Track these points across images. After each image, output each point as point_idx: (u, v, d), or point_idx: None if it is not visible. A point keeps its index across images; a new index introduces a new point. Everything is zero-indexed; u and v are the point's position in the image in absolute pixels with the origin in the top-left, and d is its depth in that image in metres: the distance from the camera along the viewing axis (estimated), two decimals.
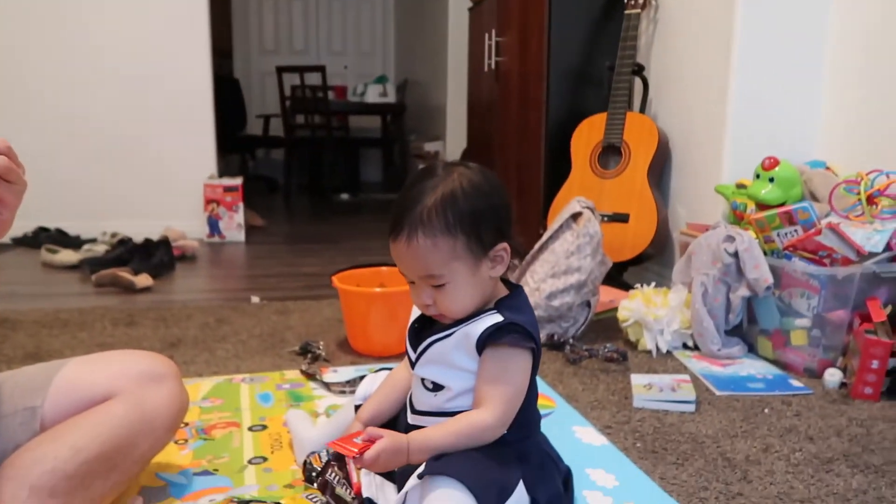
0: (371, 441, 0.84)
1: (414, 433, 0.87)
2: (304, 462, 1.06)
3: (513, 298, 0.92)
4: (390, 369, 1.07)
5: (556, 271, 1.76)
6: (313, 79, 5.00)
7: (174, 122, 3.39)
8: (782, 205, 1.75)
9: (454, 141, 4.65)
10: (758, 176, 1.84)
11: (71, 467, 0.82)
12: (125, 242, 2.76)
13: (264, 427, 1.28)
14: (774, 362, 1.66)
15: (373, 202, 5.15)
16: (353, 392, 1.35)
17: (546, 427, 0.98)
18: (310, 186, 5.75)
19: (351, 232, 3.75)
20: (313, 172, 5.78)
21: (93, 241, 3.02)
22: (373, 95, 5.31)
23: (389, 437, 0.84)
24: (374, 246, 3.25)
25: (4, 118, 3.11)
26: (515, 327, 0.86)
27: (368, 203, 5.10)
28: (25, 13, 3.17)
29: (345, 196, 5.23)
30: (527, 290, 1.75)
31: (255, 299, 2.22)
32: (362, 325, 1.69)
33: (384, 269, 1.81)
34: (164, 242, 2.72)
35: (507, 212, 0.90)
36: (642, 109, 2.45)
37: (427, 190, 0.86)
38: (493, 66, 3.03)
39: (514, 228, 0.91)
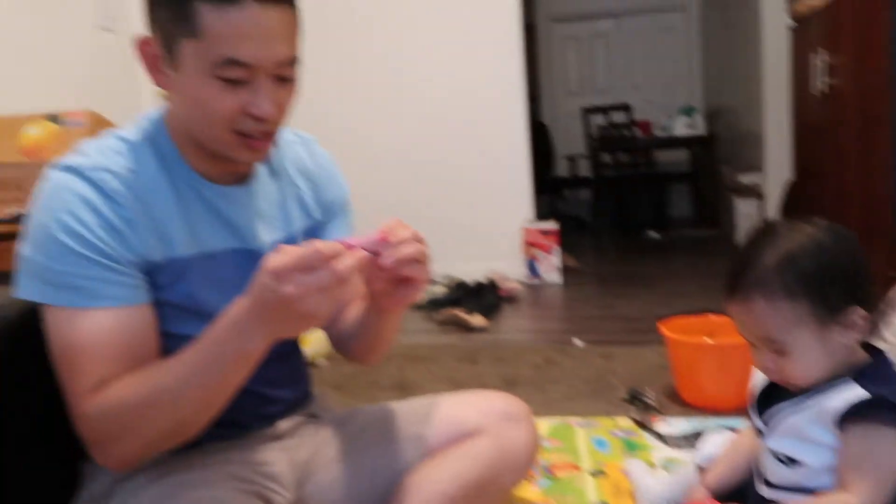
0: None
1: None
2: None
3: (875, 366, 0.85)
4: (732, 429, 1.06)
5: None
6: (618, 116, 5.08)
7: (495, 168, 3.69)
8: None
9: (775, 172, 4.29)
10: None
11: (452, 490, 0.97)
12: (459, 285, 3.11)
13: (603, 473, 1.35)
14: None
15: (683, 239, 4.99)
16: (689, 447, 1.36)
17: None
18: (617, 224, 5.79)
19: (663, 273, 3.70)
20: (620, 210, 5.81)
21: (430, 282, 3.45)
22: (680, 128, 5.19)
23: None
24: (690, 289, 3.15)
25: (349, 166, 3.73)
26: (882, 402, 0.79)
27: (679, 241, 4.95)
28: (353, 61, 3.76)
29: (653, 234, 5.16)
30: (885, 346, 1.56)
31: (577, 342, 2.33)
32: (692, 376, 1.68)
33: (713, 316, 1.77)
34: (492, 285, 3.00)
35: (860, 272, 0.83)
36: None
37: (766, 248, 0.83)
38: (822, 87, 2.77)
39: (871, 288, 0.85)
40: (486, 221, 3.73)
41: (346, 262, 0.67)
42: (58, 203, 0.74)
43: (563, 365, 2.07)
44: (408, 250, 0.76)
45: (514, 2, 3.56)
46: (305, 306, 0.66)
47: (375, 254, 0.75)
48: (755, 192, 4.38)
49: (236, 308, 0.71)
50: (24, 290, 0.75)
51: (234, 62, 0.72)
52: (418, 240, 0.79)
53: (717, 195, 5.33)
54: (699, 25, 6.44)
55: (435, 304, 2.94)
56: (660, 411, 1.64)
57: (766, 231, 0.88)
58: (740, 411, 0.99)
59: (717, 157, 5.32)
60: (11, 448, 0.80)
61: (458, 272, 3.52)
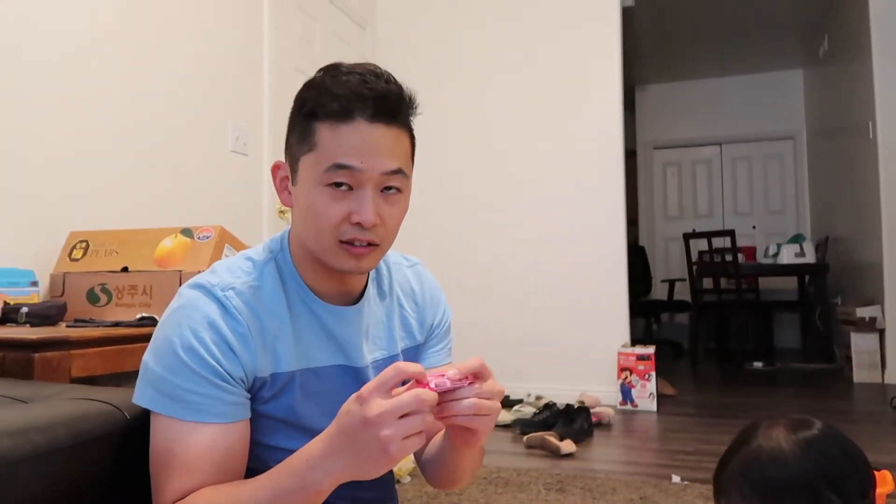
0: None
1: None
2: None
3: None
4: None
5: None
6: (720, 242, 4.98)
7: (592, 289, 3.64)
8: None
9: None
10: None
11: None
12: (550, 406, 3.03)
13: None
14: None
15: (791, 372, 4.68)
16: None
17: None
18: (717, 352, 5.54)
19: (770, 406, 3.46)
20: (721, 337, 5.57)
21: (520, 401, 3.38)
22: (788, 256, 5.00)
23: None
24: None
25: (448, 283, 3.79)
26: None
27: (786, 373, 4.65)
28: (458, 183, 3.91)
29: (758, 364, 4.88)
30: None
31: (675, 479, 2.19)
32: None
33: None
34: (584, 409, 2.91)
35: (834, 485, 0.74)
36: None
37: (733, 451, 0.81)
38: None
39: None
40: (580, 343, 3.66)
41: (429, 393, 0.69)
42: (184, 319, 0.79)
43: (660, 503, 1.95)
44: (465, 407, 0.73)
45: (617, 129, 3.66)
46: (385, 431, 0.66)
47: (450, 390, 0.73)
48: (873, 327, 4.11)
49: (318, 439, 0.73)
50: (140, 396, 0.80)
51: (340, 166, 0.79)
52: (493, 395, 0.75)
53: (829, 327, 5.03)
54: (808, 153, 6.36)
55: (523, 426, 2.87)
56: None
57: (745, 430, 0.84)
58: None
59: (828, 288, 5.07)
60: None
61: (548, 393, 3.44)
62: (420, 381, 0.70)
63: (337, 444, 0.70)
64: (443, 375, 0.72)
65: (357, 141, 0.79)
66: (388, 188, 0.82)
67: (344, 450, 0.69)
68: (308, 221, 0.82)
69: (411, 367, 0.70)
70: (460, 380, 0.73)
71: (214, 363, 0.78)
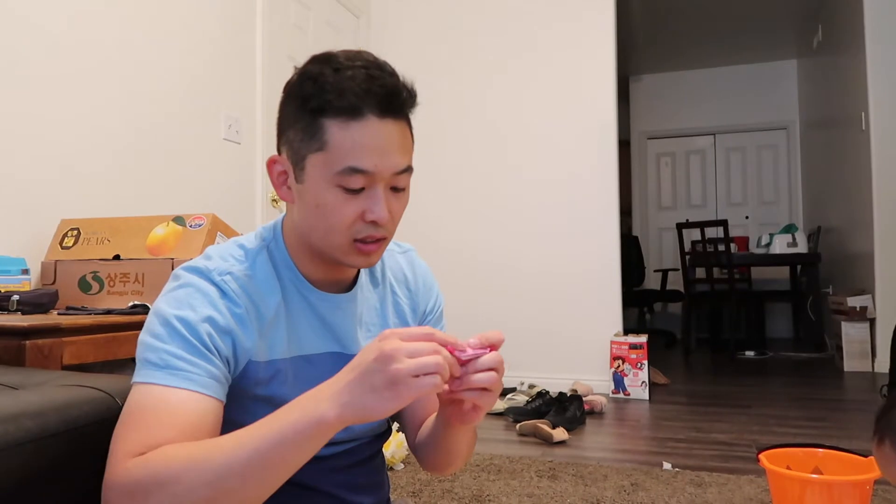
0: None
1: None
2: None
3: None
4: None
5: None
6: (713, 232, 5.00)
7: (585, 278, 3.66)
8: None
9: (888, 295, 4.06)
10: None
11: None
12: (542, 395, 3.04)
13: None
14: None
15: (783, 361, 4.71)
16: None
17: None
18: (710, 342, 5.56)
19: (761, 395, 3.48)
20: (713, 327, 5.60)
21: (513, 390, 3.40)
22: (780, 246, 5.03)
23: None
24: (793, 416, 2.95)
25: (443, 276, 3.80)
26: None
27: (778, 362, 4.68)
28: (458, 173, 3.91)
29: (750, 353, 4.91)
30: None
31: (666, 465, 2.21)
32: None
33: (820, 451, 1.65)
34: (577, 398, 2.92)
35: None
36: None
37: None
38: None
39: None
40: (574, 332, 3.67)
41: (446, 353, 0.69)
42: (183, 296, 0.79)
43: (651, 490, 1.96)
44: (482, 380, 0.73)
45: (611, 119, 3.66)
46: (395, 366, 0.65)
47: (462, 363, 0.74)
48: (864, 316, 4.13)
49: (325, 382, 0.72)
50: (134, 375, 0.78)
51: (355, 170, 0.78)
52: (499, 368, 0.75)
53: (820, 317, 5.06)
54: (801, 143, 6.37)
55: (516, 414, 2.88)
56: None
57: None
58: None
59: (820, 277, 5.10)
60: None
61: (541, 382, 3.46)
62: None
63: (348, 376, 0.68)
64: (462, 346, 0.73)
65: (369, 139, 0.78)
66: (396, 188, 0.83)
67: (353, 381, 0.67)
68: (318, 220, 0.82)
69: (440, 333, 0.70)
70: (481, 349, 0.73)
71: (206, 335, 0.77)
